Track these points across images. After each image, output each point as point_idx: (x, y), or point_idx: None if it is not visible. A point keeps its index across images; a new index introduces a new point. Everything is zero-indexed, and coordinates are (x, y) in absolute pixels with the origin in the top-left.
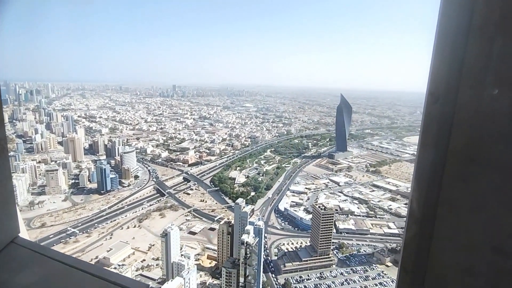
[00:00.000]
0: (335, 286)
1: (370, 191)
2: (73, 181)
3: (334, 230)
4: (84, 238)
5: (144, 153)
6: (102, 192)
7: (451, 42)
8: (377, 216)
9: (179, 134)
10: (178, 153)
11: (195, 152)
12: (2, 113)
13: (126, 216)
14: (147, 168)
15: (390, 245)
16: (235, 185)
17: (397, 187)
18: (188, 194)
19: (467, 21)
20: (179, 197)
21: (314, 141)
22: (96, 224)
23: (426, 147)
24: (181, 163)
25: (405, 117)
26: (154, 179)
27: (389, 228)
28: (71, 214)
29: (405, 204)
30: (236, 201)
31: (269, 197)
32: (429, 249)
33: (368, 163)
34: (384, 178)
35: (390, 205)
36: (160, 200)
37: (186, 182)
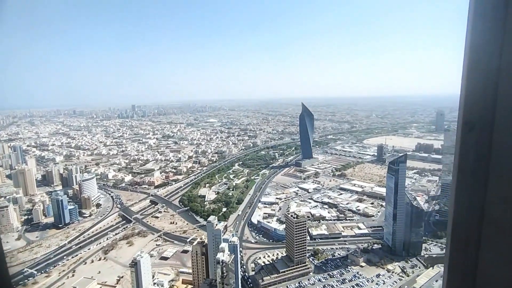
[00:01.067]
0: None
1: (338, 195)
2: (26, 217)
3: (308, 237)
4: (43, 278)
5: (105, 179)
6: (60, 226)
7: (484, 72)
8: (347, 218)
9: (142, 155)
10: (142, 175)
11: (161, 173)
12: None
13: (89, 249)
14: (109, 194)
15: (362, 245)
16: (205, 203)
17: (363, 188)
18: (157, 217)
19: (499, 44)
20: (147, 221)
21: (281, 151)
22: (55, 262)
23: (465, 173)
24: (146, 186)
25: (363, 121)
26: (119, 206)
27: (359, 228)
28: (27, 253)
29: (371, 203)
30: (208, 219)
31: (241, 211)
32: (476, 271)
33: (333, 167)
34: (350, 180)
35: (358, 206)
36: (126, 227)
37: (153, 205)
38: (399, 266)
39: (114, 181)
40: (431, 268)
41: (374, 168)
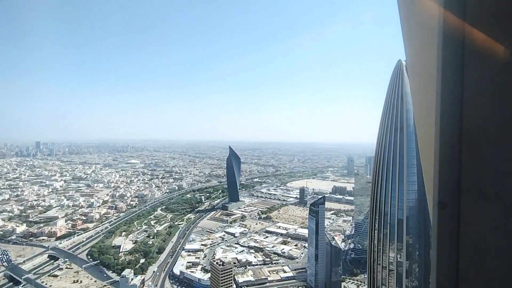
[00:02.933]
0: None
1: (264, 238)
2: None
3: (234, 286)
4: None
5: None
6: None
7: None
8: (272, 262)
9: (44, 201)
10: (41, 224)
11: (66, 221)
12: None
13: None
14: None
15: None
16: (120, 254)
17: (287, 230)
18: (56, 276)
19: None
20: (43, 282)
21: (207, 194)
22: None
23: (442, 249)
24: (46, 238)
25: (286, 165)
26: (5, 264)
27: (285, 272)
28: None
29: (295, 245)
30: (122, 273)
31: (162, 261)
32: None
33: (259, 210)
34: (275, 223)
35: (283, 249)
36: None
37: (53, 260)
38: None
39: (1, 232)
40: None
41: (297, 210)
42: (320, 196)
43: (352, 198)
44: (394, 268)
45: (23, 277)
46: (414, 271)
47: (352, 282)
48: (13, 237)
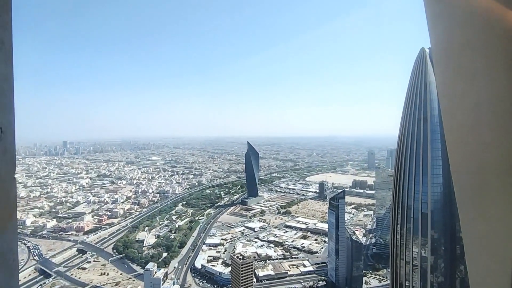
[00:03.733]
0: None
1: (284, 233)
2: None
3: (255, 279)
4: None
5: (21, 226)
6: None
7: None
8: (292, 256)
9: (72, 197)
10: (70, 220)
11: (92, 217)
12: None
13: None
14: (25, 244)
15: (308, 283)
16: (144, 248)
17: (307, 224)
18: (84, 269)
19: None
20: (72, 274)
21: (226, 190)
22: None
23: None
24: (74, 232)
25: (305, 159)
26: (36, 258)
27: (305, 266)
28: None
29: (315, 240)
30: (146, 266)
31: (183, 255)
32: None
33: (278, 205)
34: (294, 217)
35: (303, 243)
36: (43, 284)
37: (81, 254)
38: None
39: (32, 228)
40: None
41: (316, 204)
42: (340, 190)
43: (373, 192)
44: (418, 263)
45: (53, 270)
46: (439, 266)
47: (374, 277)
48: (44, 232)
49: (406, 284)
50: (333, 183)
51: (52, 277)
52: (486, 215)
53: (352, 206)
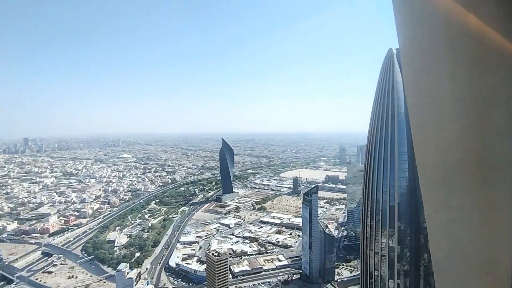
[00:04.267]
0: None
1: (259, 228)
2: None
3: (230, 276)
4: None
5: None
6: None
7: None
8: (267, 251)
9: (35, 197)
10: (33, 222)
11: (58, 218)
12: None
13: None
14: None
15: (282, 277)
16: (115, 249)
17: (281, 219)
18: (51, 272)
19: None
20: (37, 279)
21: (201, 186)
22: None
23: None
24: (38, 234)
25: (279, 155)
26: None
27: (280, 260)
28: None
29: (290, 234)
30: (118, 267)
31: (157, 254)
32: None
33: (253, 201)
34: (269, 213)
35: (278, 238)
36: None
37: (46, 257)
38: None
39: None
40: None
41: (290, 199)
42: (313, 186)
43: (344, 186)
44: (386, 253)
45: (16, 275)
46: (405, 255)
47: (346, 268)
48: (4, 235)
49: (376, 273)
50: (306, 179)
51: (14, 283)
52: (449, 207)
53: (325, 200)
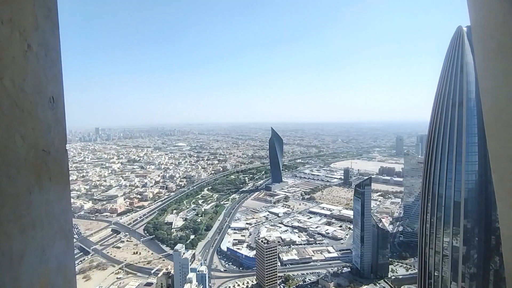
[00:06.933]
0: None
1: (308, 218)
2: None
3: (279, 263)
4: None
5: None
6: None
7: None
8: (317, 242)
9: (105, 181)
10: (104, 202)
11: (124, 199)
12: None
13: None
14: None
15: (332, 269)
16: (172, 230)
17: (331, 211)
18: (119, 247)
19: None
20: (108, 252)
21: (251, 175)
22: None
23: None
24: (108, 214)
25: (329, 145)
26: (76, 236)
27: (329, 252)
28: None
29: (340, 226)
30: (175, 247)
31: (210, 238)
32: None
33: (302, 191)
34: (319, 204)
35: (327, 230)
36: (83, 260)
37: (115, 234)
38: None
39: (71, 208)
40: None
41: (341, 191)
42: (366, 177)
43: (401, 179)
44: (449, 253)
45: (91, 248)
46: (472, 257)
47: (401, 266)
48: (82, 212)
49: (436, 274)
50: (358, 170)
51: (90, 254)
52: None
53: (379, 193)
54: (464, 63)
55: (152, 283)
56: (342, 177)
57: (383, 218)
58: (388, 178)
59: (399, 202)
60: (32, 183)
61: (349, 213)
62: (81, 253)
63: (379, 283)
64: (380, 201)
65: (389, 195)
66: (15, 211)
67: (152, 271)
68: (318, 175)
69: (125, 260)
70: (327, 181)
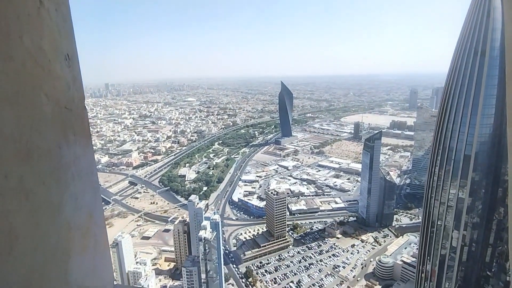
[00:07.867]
0: (293, 265)
1: (317, 171)
2: None
3: (288, 213)
4: None
5: None
6: None
7: None
8: (324, 193)
9: (119, 136)
10: (120, 156)
11: (139, 154)
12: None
13: None
14: None
15: (338, 218)
16: (186, 182)
17: (340, 164)
18: (136, 198)
19: None
20: (127, 202)
21: (260, 129)
22: None
23: None
24: (124, 167)
25: (341, 99)
26: None
27: (336, 203)
28: None
29: (348, 179)
30: (189, 198)
31: (221, 190)
32: None
33: (312, 145)
34: (328, 157)
35: (335, 182)
36: (105, 209)
37: (132, 186)
38: (372, 237)
39: None
40: (401, 237)
41: (350, 145)
42: (376, 131)
43: (412, 133)
44: (454, 204)
45: (111, 198)
46: (476, 207)
47: (405, 215)
48: (100, 166)
49: (439, 223)
50: (369, 124)
51: (111, 204)
52: None
53: (388, 147)
54: (491, 7)
55: (169, 230)
56: (352, 131)
57: (391, 171)
58: (399, 132)
59: (408, 156)
60: (60, 139)
61: (358, 166)
62: (103, 203)
63: (383, 231)
64: (389, 155)
65: (399, 149)
66: (50, 164)
67: (169, 219)
68: (328, 129)
69: (143, 209)
70: (337, 135)
